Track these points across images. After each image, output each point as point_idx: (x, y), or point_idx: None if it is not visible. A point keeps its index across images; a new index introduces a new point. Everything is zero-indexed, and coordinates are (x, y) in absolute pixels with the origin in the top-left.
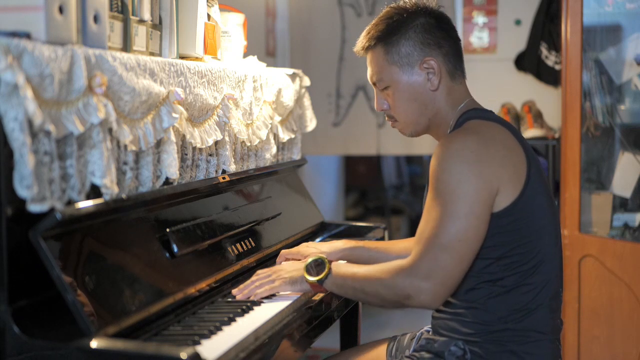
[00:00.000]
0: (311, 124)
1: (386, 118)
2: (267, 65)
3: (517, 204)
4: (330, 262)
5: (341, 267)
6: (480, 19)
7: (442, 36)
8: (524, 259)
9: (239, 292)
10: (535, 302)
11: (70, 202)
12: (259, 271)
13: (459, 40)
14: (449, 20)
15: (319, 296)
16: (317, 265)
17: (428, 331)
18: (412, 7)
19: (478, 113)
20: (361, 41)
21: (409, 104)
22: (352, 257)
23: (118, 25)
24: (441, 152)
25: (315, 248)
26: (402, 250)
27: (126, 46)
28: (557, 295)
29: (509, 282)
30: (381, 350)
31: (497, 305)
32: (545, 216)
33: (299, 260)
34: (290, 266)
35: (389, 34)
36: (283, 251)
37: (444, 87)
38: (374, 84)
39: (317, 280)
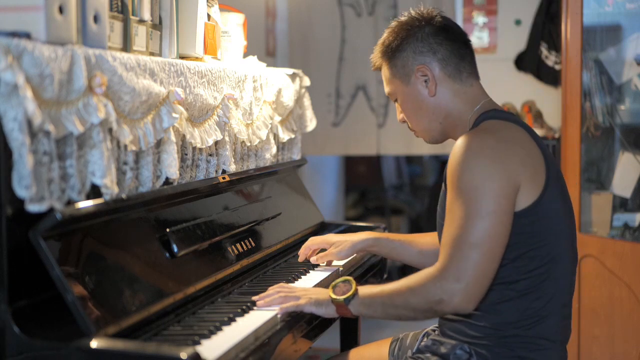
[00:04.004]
0: (311, 124)
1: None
2: (267, 65)
3: (537, 205)
4: (357, 283)
5: (367, 287)
6: (480, 19)
7: (437, 42)
8: (538, 263)
9: (260, 300)
10: (547, 309)
11: (70, 202)
12: (282, 284)
13: (464, 42)
14: (448, 25)
15: None
16: (344, 286)
17: (434, 330)
18: (411, 21)
19: (496, 114)
20: (373, 60)
21: (416, 112)
22: (374, 247)
23: (118, 25)
24: (460, 151)
25: (342, 236)
26: (426, 244)
27: (126, 46)
28: (569, 303)
29: (522, 286)
30: (384, 350)
31: (509, 310)
32: (562, 221)
33: (326, 249)
34: (317, 289)
35: (389, 49)
36: (310, 239)
37: (446, 90)
38: (390, 98)
39: (344, 299)
